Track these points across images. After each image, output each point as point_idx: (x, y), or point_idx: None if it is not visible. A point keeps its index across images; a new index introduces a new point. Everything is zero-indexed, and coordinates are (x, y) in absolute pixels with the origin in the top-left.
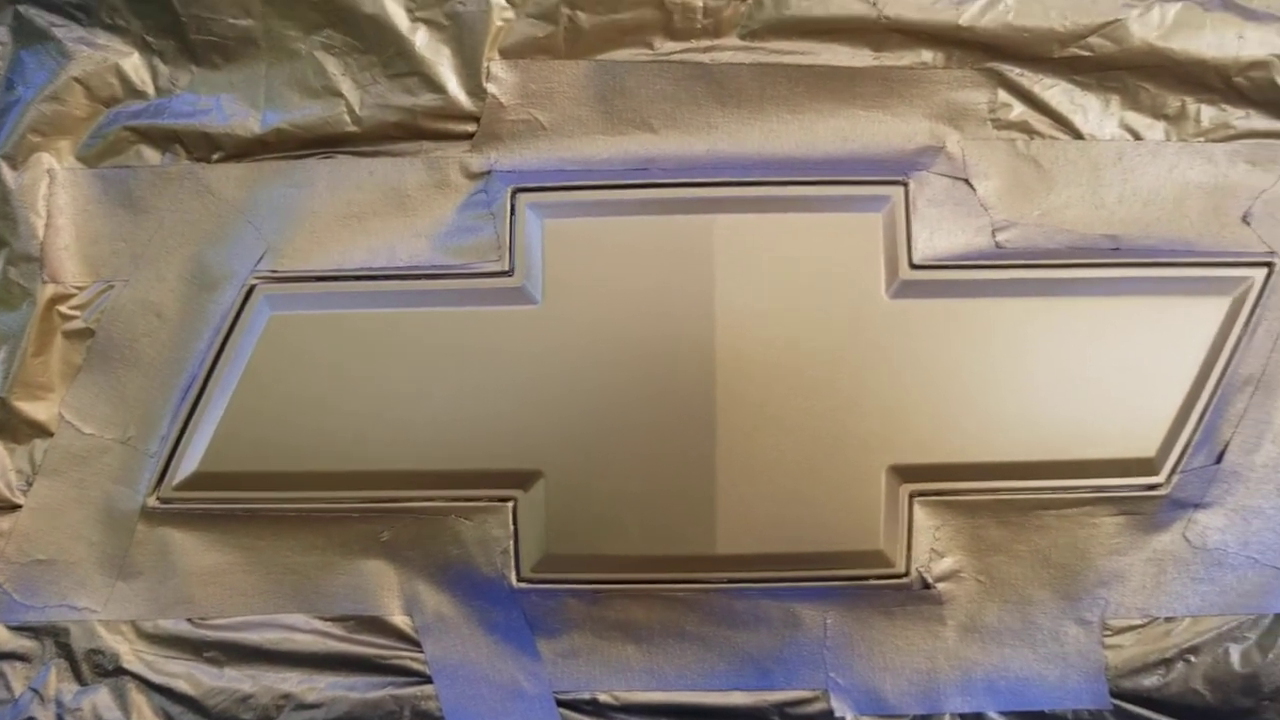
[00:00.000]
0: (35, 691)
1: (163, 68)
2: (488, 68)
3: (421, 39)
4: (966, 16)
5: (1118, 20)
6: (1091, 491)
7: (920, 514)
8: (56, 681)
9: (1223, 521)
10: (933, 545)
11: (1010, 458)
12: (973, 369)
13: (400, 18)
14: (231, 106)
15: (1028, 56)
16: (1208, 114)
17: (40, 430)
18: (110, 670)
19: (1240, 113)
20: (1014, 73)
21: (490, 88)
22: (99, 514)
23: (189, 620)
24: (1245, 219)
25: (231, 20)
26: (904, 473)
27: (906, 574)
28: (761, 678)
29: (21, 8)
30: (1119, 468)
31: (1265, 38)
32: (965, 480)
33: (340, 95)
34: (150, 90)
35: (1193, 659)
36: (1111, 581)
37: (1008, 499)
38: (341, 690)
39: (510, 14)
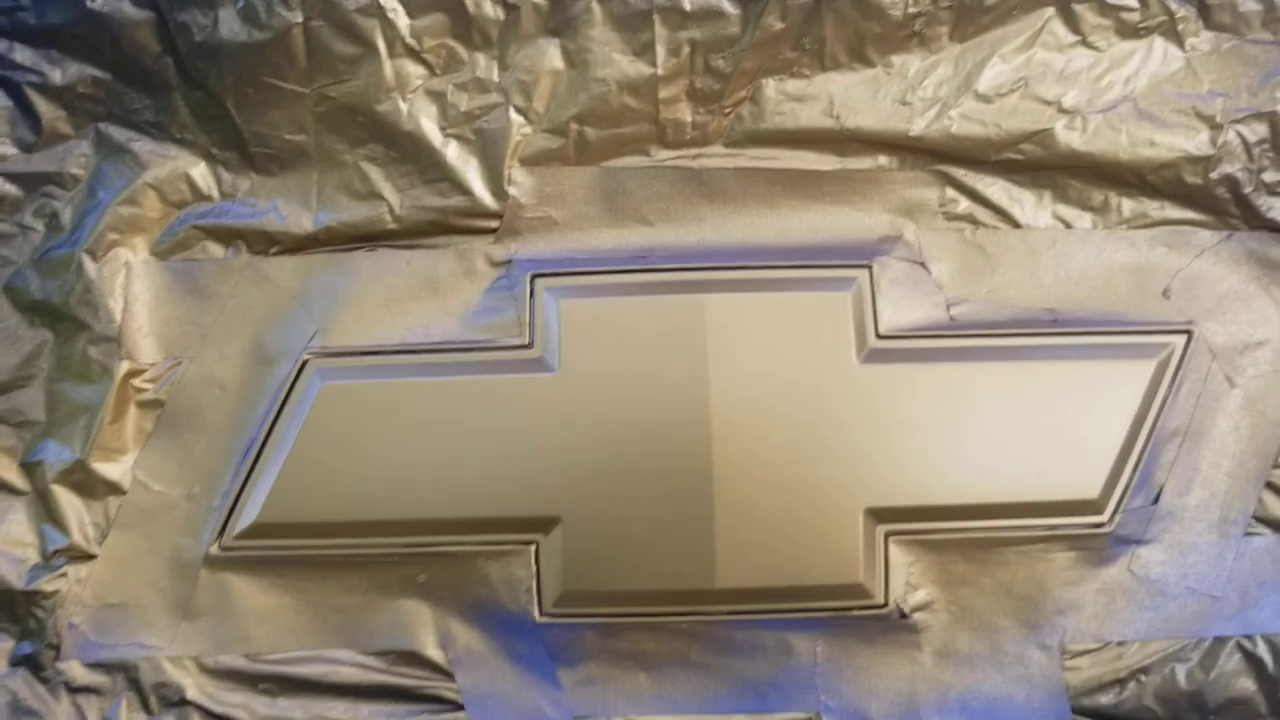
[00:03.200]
0: None
1: (226, 175)
2: (509, 174)
3: (452, 151)
4: (916, 128)
5: (1047, 129)
6: (1045, 530)
7: (895, 551)
8: (127, 712)
9: (1162, 556)
10: (908, 579)
11: (973, 500)
12: (936, 423)
13: (434, 134)
14: (287, 208)
15: (970, 160)
16: (1128, 205)
17: (114, 489)
18: (175, 701)
19: (1155, 204)
20: (959, 173)
21: (511, 190)
22: (166, 562)
23: (245, 656)
24: (1165, 294)
25: (287, 136)
26: (879, 514)
27: (885, 605)
28: (759, 701)
29: (102, 125)
30: (1068, 509)
31: (1173, 142)
32: (934, 520)
33: (382, 198)
34: (215, 194)
35: (1144, 678)
36: (1068, 610)
37: (973, 537)
38: (382, 717)
39: (528, 129)
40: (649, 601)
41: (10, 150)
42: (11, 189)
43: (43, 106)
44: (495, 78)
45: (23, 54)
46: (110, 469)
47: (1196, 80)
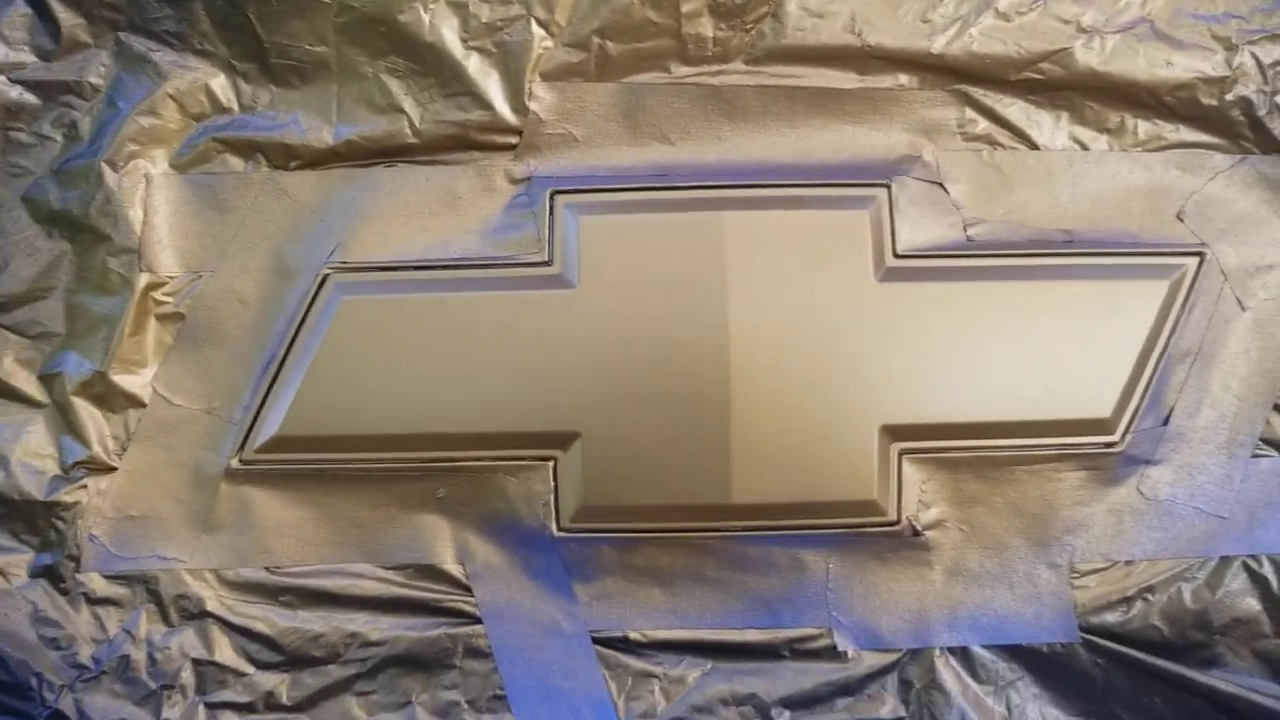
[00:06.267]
0: (128, 632)
1: (246, 87)
2: (530, 88)
3: (473, 64)
4: (937, 45)
5: (1065, 49)
6: (1057, 449)
7: (909, 469)
8: (147, 624)
9: (1171, 476)
10: (920, 497)
11: (986, 418)
12: (951, 342)
13: (455, 45)
14: (307, 121)
15: (989, 79)
16: (1143, 128)
17: (134, 401)
18: (195, 613)
19: (1171, 126)
20: (978, 93)
21: (532, 105)
22: (187, 475)
23: (266, 569)
24: (1179, 216)
25: (308, 47)
26: (894, 432)
27: (898, 522)
28: (772, 617)
29: (122, 34)
30: (1079, 428)
31: (1189, 63)
32: (948, 439)
33: (403, 112)
34: (235, 107)
35: (1150, 597)
36: (1077, 529)
37: (985, 456)
38: (402, 630)
39: (549, 43)
40: (665, 517)
41: (28, 58)
42: (30, 97)
43: (62, 14)
44: None
45: None
46: (130, 382)
47: (1211, 3)
